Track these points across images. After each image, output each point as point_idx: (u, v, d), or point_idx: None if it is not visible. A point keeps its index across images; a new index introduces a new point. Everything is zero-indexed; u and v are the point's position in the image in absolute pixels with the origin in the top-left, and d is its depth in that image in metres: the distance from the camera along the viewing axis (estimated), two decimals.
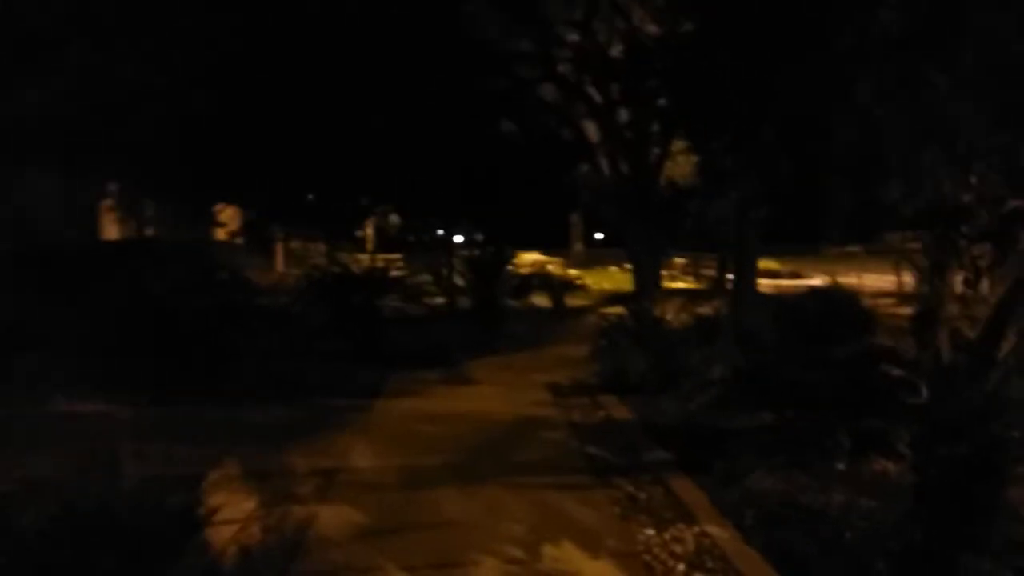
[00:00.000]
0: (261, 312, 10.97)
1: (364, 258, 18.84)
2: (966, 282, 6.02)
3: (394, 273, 12.90)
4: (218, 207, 15.66)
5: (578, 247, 33.30)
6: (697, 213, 16.62)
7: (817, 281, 18.24)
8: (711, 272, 21.73)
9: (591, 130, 16.61)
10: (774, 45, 7.35)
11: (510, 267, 13.77)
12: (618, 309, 10.00)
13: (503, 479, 5.11)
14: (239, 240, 18.19)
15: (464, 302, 13.46)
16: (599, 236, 36.85)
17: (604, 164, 16.55)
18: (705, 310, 9.29)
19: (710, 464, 4.93)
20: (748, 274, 12.04)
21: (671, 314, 8.90)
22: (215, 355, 7.93)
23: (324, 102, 11.19)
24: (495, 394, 8.12)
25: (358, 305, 10.69)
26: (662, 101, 13.22)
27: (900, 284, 17.57)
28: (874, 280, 17.98)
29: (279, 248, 22.65)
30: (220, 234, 16.79)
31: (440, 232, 17.30)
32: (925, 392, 3.22)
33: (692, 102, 9.85)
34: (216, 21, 8.21)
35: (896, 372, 3.44)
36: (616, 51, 14.67)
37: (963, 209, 5.96)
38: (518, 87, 15.65)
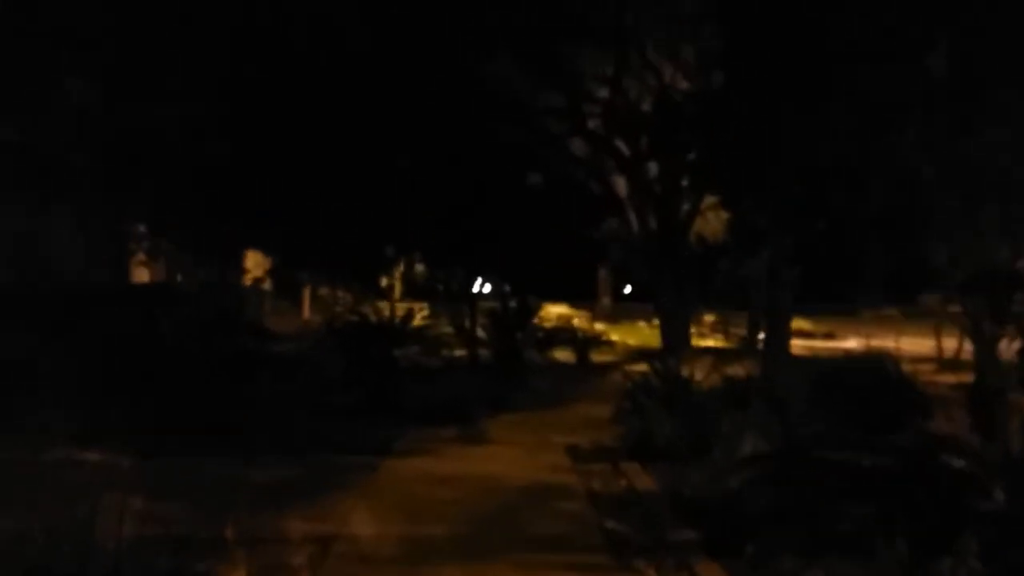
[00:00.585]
0: (277, 360, 10.76)
1: (388, 306, 18.67)
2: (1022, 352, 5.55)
3: (417, 321, 12.67)
4: (243, 252, 15.71)
5: (605, 301, 32.86)
6: (727, 271, 16.24)
7: (852, 344, 17.59)
8: (741, 331, 21.15)
9: (620, 184, 16.46)
10: (806, 96, 7.08)
11: (535, 320, 13.45)
12: (644, 367, 9.57)
13: (512, 556, 4.70)
14: (266, 286, 18.23)
15: (485, 354, 13.11)
16: (627, 290, 36.40)
17: (633, 218, 16.34)
18: (736, 371, 8.83)
19: (741, 548, 4.45)
20: (780, 335, 11.59)
21: (700, 374, 8.46)
22: (222, 405, 7.69)
23: (350, 152, 11.19)
24: (511, 456, 7.72)
25: (375, 355, 10.43)
26: (692, 155, 13.04)
27: (940, 349, 16.87)
28: (912, 344, 17.28)
29: (306, 294, 22.70)
30: (247, 279, 16.83)
31: (467, 282, 17.10)
32: (998, 491, 2.79)
33: (723, 155, 9.60)
34: (243, 68, 8.21)
35: (959, 464, 3.01)
36: (646, 105, 14.59)
37: (1018, 275, 5.53)
38: (547, 140, 15.62)
